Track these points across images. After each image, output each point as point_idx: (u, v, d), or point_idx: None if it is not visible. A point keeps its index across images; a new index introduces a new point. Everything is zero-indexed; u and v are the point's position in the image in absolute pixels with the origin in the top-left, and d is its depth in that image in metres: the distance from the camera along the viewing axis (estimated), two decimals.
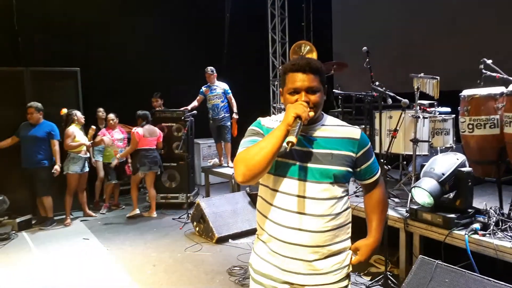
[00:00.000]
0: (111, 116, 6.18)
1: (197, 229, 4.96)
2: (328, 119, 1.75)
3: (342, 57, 7.28)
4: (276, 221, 1.67)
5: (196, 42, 7.98)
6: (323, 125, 1.71)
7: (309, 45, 6.32)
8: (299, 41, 6.45)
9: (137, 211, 5.83)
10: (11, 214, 5.30)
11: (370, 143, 1.75)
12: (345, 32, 8.06)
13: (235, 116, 6.27)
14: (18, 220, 5.27)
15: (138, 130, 5.68)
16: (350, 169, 1.68)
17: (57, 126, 5.48)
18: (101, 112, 6.45)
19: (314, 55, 6.29)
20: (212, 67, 6.29)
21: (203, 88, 6.36)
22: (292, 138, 1.49)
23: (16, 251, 4.58)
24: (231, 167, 6.24)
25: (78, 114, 5.67)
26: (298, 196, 1.63)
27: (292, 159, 1.64)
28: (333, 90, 5.05)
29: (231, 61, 8.23)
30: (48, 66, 6.12)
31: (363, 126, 5.05)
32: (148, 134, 5.77)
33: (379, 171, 1.82)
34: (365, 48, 4.47)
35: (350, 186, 1.82)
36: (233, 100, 6.31)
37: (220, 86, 6.30)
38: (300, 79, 1.63)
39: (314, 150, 1.65)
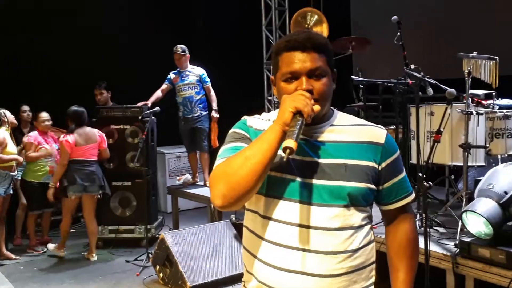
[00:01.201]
0: (44, 116, 6.08)
1: (161, 275, 4.92)
2: (340, 117, 1.74)
3: (364, 30, 7.34)
4: (269, 262, 1.64)
5: (161, 12, 8.00)
6: (332, 125, 1.70)
7: (317, 14, 6.37)
8: (304, 8, 6.49)
9: (63, 252, 5.82)
10: None
11: (399, 151, 1.74)
12: None
13: (214, 114, 6.27)
14: None
15: (67, 138, 5.59)
16: (372, 186, 1.65)
17: None
18: (26, 112, 6.41)
19: (324, 28, 6.34)
20: (183, 46, 6.28)
21: (171, 75, 6.36)
22: (290, 143, 1.45)
23: None
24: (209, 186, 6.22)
25: (8, 114, 5.69)
26: (300, 225, 1.60)
27: (291, 174, 1.62)
28: (352, 77, 5.07)
29: (209, 38, 8.24)
30: None
31: (393, 126, 5.09)
32: (83, 141, 5.67)
33: (412, 194, 1.78)
34: (395, 17, 4.51)
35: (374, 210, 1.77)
36: (212, 92, 6.31)
37: (195, 72, 6.30)
38: (298, 59, 1.60)
39: (320, 160, 1.63)
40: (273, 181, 1.62)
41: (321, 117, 1.66)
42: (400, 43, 4.54)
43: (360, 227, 1.64)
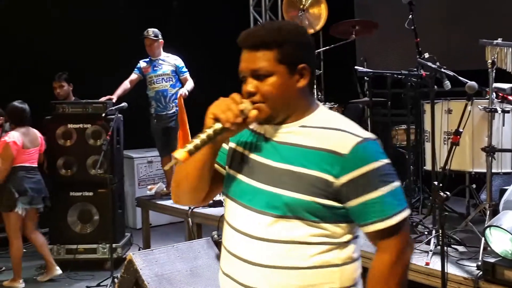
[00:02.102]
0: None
1: None
2: (317, 117, 1.79)
3: (369, 12, 7.36)
4: (221, 266, 1.87)
5: None
6: (303, 125, 1.76)
7: None
8: None
9: (21, 283, 5.75)
10: None
11: (377, 163, 1.69)
12: None
13: (180, 91, 6.15)
14: None
15: (14, 138, 5.59)
16: (325, 202, 1.66)
17: None
18: None
19: (322, 10, 6.37)
20: (155, 30, 6.26)
21: (141, 63, 6.35)
22: (179, 154, 1.60)
23: None
24: None
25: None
26: (240, 232, 1.75)
27: (244, 174, 1.78)
28: (356, 67, 5.08)
29: (187, 21, 8.22)
30: None
31: (404, 126, 5.09)
32: (29, 143, 5.67)
33: (392, 219, 1.68)
34: None
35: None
36: (190, 82, 6.25)
37: (169, 61, 6.28)
38: (243, 59, 1.75)
39: (271, 163, 1.72)
40: (230, 180, 1.81)
41: (289, 117, 1.76)
42: (412, 27, 4.55)
43: (308, 244, 1.67)
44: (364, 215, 1.68)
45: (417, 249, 3.97)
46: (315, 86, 5.68)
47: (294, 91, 1.73)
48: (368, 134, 1.76)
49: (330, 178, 1.65)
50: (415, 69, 4.49)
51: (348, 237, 1.72)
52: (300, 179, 1.65)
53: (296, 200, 1.64)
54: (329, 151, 1.66)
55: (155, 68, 6.28)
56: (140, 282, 4.69)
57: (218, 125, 1.64)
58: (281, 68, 1.70)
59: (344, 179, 1.64)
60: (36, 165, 5.77)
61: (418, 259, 3.78)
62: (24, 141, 5.62)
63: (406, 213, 1.72)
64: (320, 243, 1.68)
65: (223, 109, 1.65)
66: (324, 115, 1.80)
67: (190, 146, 1.61)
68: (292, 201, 1.64)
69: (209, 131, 1.64)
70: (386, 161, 1.73)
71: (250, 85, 1.71)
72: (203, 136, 1.64)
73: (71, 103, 6.44)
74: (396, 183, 1.72)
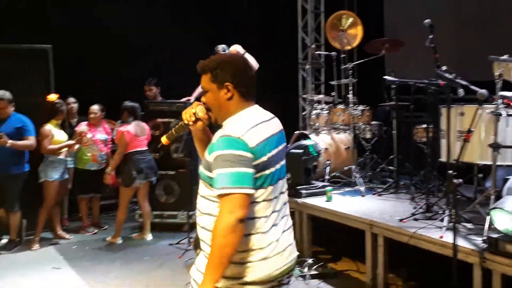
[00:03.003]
0: (95, 108, 6.24)
1: None
2: (232, 118, 2.16)
3: (397, 33, 7.21)
4: None
5: (205, 16, 8.03)
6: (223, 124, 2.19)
7: (352, 16, 6.31)
8: (339, 11, 6.43)
9: (119, 240, 5.91)
10: None
11: (224, 152, 2.02)
12: (400, 1, 7.99)
13: None
14: None
15: (128, 129, 5.75)
16: (207, 173, 2.11)
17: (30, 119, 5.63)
18: (71, 104, 6.53)
19: (358, 31, 6.27)
20: (224, 46, 6.28)
21: None
22: (163, 139, 2.30)
23: None
24: None
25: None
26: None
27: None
28: (384, 77, 5.00)
29: (247, 38, 8.24)
30: (10, 43, 6.26)
31: (424, 125, 5.00)
32: (140, 133, 5.84)
33: (223, 190, 1.99)
34: (428, 20, 4.42)
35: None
36: None
37: None
38: None
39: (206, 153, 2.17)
40: None
41: (223, 118, 2.18)
42: (432, 45, 4.44)
43: (206, 199, 2.15)
44: (213, 183, 2.04)
45: (432, 225, 3.91)
46: (351, 92, 5.71)
47: (223, 100, 2.15)
48: (233, 133, 2.06)
49: (208, 158, 2.08)
50: (434, 79, 4.39)
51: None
52: (205, 161, 2.14)
53: (201, 172, 2.16)
54: (212, 143, 2.12)
55: None
56: None
57: (182, 122, 2.23)
58: (213, 86, 2.15)
59: (210, 158, 2.06)
60: (147, 149, 5.93)
61: (433, 233, 3.73)
62: (136, 131, 5.81)
63: (231, 190, 1.97)
64: (211, 200, 2.10)
65: (186, 112, 2.22)
66: (236, 117, 2.16)
67: (168, 134, 2.27)
68: (201, 173, 2.16)
69: (178, 125, 2.25)
70: (232, 151, 2.02)
71: (203, 97, 2.20)
72: (175, 128, 2.26)
73: (158, 103, 6.58)
74: (232, 169, 1.99)
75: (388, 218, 4.21)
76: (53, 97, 5.90)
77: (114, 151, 6.21)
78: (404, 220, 4.09)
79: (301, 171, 5.16)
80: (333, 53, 6.30)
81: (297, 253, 2.32)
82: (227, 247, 1.96)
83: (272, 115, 2.34)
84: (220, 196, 1.98)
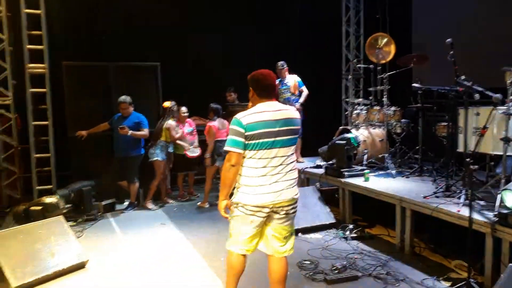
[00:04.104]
0: (183, 109, 6.44)
1: None
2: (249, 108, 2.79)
3: (423, 49, 6.89)
4: None
5: (268, 37, 8.05)
6: None
7: (386, 37, 6.09)
8: (376, 33, 6.23)
9: (207, 205, 6.02)
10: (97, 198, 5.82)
11: (230, 125, 2.69)
12: (425, 23, 7.61)
13: (296, 104, 6.05)
14: (103, 203, 5.75)
15: (214, 124, 5.89)
16: None
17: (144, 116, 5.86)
18: (183, 112, 6.58)
19: (392, 48, 6.06)
20: (282, 62, 6.28)
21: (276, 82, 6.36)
22: None
23: (102, 231, 5.02)
24: (301, 162, 6.22)
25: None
26: None
27: None
28: (412, 85, 4.82)
29: (302, 56, 8.18)
30: (130, 61, 6.57)
31: (445, 123, 4.78)
32: (221, 127, 5.98)
33: (226, 147, 2.68)
34: (449, 40, 4.19)
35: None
36: (305, 92, 6.19)
37: (292, 79, 6.26)
38: None
39: None
40: None
41: None
42: (453, 59, 4.23)
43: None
44: None
45: (451, 202, 3.76)
46: (385, 96, 5.55)
47: (250, 97, 2.78)
48: (237, 115, 2.65)
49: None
50: (454, 86, 4.19)
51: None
52: None
53: None
54: None
55: (283, 85, 6.24)
56: None
57: None
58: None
59: None
60: (225, 139, 5.98)
61: (452, 208, 3.58)
62: (219, 126, 5.92)
63: (228, 149, 2.65)
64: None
65: None
66: (252, 107, 2.70)
67: None
68: None
69: None
70: (232, 126, 2.64)
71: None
72: None
73: (235, 105, 6.65)
74: (230, 137, 2.65)
75: (414, 195, 4.08)
76: (166, 103, 6.10)
77: (201, 140, 6.36)
78: (428, 197, 3.95)
79: (344, 157, 5.08)
80: (371, 65, 6.13)
81: (294, 196, 2.73)
82: (226, 178, 2.69)
83: (282, 108, 2.72)
84: (225, 151, 2.67)
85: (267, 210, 2.65)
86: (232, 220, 2.77)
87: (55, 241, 3.86)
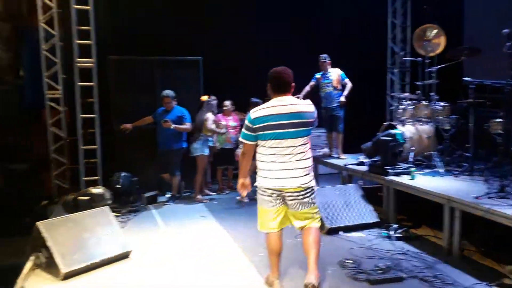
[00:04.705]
0: (227, 103, 6.49)
1: None
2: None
3: (475, 41, 6.54)
4: None
5: (309, 30, 7.93)
6: None
7: (436, 28, 5.81)
8: (425, 24, 5.98)
9: (246, 199, 5.99)
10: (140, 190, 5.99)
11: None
12: (478, 13, 7.23)
13: (340, 98, 5.96)
14: (146, 195, 5.93)
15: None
16: None
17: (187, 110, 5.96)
18: (225, 105, 6.63)
19: (442, 40, 5.79)
20: (325, 55, 6.16)
21: (317, 75, 6.28)
22: None
23: (145, 223, 5.18)
24: (343, 158, 6.11)
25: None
26: None
27: None
28: (464, 78, 4.59)
29: (344, 48, 8.01)
30: (173, 56, 6.69)
31: (500, 119, 4.51)
32: None
33: (239, 139, 3.34)
34: (506, 30, 3.98)
35: None
36: (349, 85, 6.03)
37: (334, 73, 6.14)
38: None
39: None
40: None
41: None
42: (509, 51, 3.99)
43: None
44: None
45: (505, 203, 3.56)
46: (419, 91, 5.34)
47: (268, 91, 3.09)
48: (251, 110, 3.05)
49: None
50: (511, 80, 3.95)
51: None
52: None
53: None
54: None
55: (325, 78, 6.12)
56: None
57: None
58: None
59: None
60: None
61: (507, 209, 3.38)
62: None
63: (240, 139, 3.17)
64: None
65: None
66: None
67: None
68: None
69: None
70: (245, 121, 3.05)
71: None
72: None
73: None
74: (243, 130, 3.09)
75: (464, 195, 3.89)
76: (204, 97, 6.16)
77: None
78: (479, 198, 3.76)
79: (389, 154, 4.93)
80: (419, 59, 5.89)
81: (302, 184, 2.99)
82: (240, 163, 3.19)
83: (291, 103, 3.00)
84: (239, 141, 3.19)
85: (276, 193, 3.03)
86: (257, 203, 3.17)
87: (101, 230, 4.02)
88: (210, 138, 6.14)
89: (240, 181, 3.20)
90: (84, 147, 5.98)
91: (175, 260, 3.98)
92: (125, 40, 6.72)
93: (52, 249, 3.65)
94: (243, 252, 4.13)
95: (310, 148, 3.09)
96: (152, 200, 5.99)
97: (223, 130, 6.27)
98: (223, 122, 6.35)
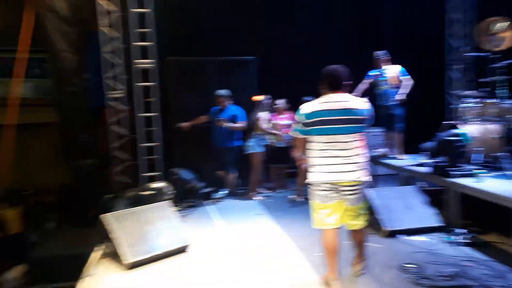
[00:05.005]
0: (278, 102, 6.47)
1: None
2: None
3: None
4: None
5: (364, 28, 7.74)
6: None
7: (504, 21, 5.43)
8: (490, 18, 5.61)
9: (299, 199, 5.98)
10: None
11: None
12: None
13: (396, 96, 5.74)
14: (202, 191, 6.07)
15: None
16: None
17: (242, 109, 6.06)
18: (276, 104, 6.65)
19: (509, 34, 5.41)
20: (380, 51, 5.98)
21: (372, 73, 6.10)
22: None
23: (202, 218, 5.34)
24: (401, 159, 5.91)
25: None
26: None
27: None
28: None
29: (400, 46, 7.73)
30: (228, 56, 6.78)
31: None
32: None
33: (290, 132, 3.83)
34: None
35: None
36: (406, 82, 5.79)
37: (391, 70, 5.92)
38: None
39: None
40: None
41: None
42: None
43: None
44: None
45: None
46: (485, 88, 4.99)
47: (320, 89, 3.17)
48: (301, 106, 3.15)
49: None
50: None
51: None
52: None
53: None
54: None
55: (381, 76, 5.95)
56: (371, 207, 4.59)
57: None
58: None
59: None
60: None
61: None
62: None
63: (291, 133, 3.67)
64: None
65: None
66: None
67: None
68: None
69: None
70: (296, 116, 3.22)
71: None
72: None
73: None
74: (293, 124, 3.38)
75: None
76: (257, 97, 6.18)
77: None
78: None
79: (453, 155, 4.70)
80: (484, 53, 5.56)
81: (355, 178, 3.03)
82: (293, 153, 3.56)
83: (342, 100, 3.05)
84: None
85: (331, 187, 3.05)
86: (311, 199, 3.22)
87: (162, 224, 4.18)
88: (265, 137, 6.17)
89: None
90: (145, 144, 6.22)
91: (230, 257, 4.04)
92: (181, 41, 6.90)
93: (117, 240, 3.84)
94: (300, 250, 4.12)
95: (364, 145, 3.10)
96: (208, 197, 6.13)
97: (275, 130, 6.28)
98: (275, 122, 6.35)
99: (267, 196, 6.34)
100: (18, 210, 6.50)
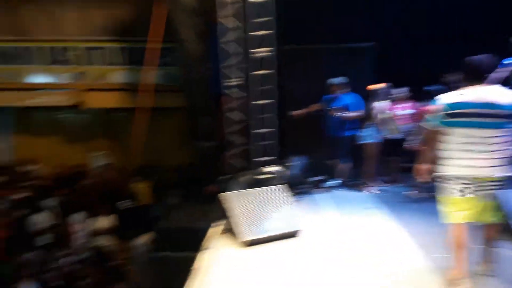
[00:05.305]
0: (400, 90, 6.09)
1: None
2: None
3: None
4: None
5: (490, 13, 6.86)
6: None
7: None
8: None
9: (415, 194, 5.58)
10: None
11: None
12: None
13: None
14: (314, 179, 6.08)
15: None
16: None
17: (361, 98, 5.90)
18: (393, 93, 6.34)
19: None
20: None
21: (508, 61, 5.33)
22: None
23: (312, 206, 5.34)
24: None
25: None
26: None
27: None
28: None
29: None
30: (344, 43, 6.61)
31: None
32: None
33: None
34: None
35: None
36: None
37: None
38: None
39: None
40: None
41: None
42: None
43: None
44: None
45: None
46: None
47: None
48: (438, 96, 3.05)
49: None
50: None
51: None
52: None
53: None
54: None
55: None
56: None
57: None
58: None
59: None
60: None
61: None
62: None
63: (423, 125, 3.57)
64: None
65: None
66: None
67: None
68: None
69: None
70: (433, 107, 3.08)
71: None
72: None
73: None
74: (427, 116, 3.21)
75: None
76: (371, 86, 5.95)
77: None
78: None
79: None
80: None
81: (497, 174, 2.87)
82: (422, 149, 3.28)
83: (487, 92, 2.87)
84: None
85: (468, 182, 2.93)
86: (442, 193, 3.10)
87: (276, 207, 4.29)
88: (380, 128, 5.90)
89: (419, 166, 3.26)
90: (260, 130, 6.38)
91: (339, 248, 3.96)
92: (298, 28, 6.91)
93: (235, 218, 4.06)
94: (420, 248, 3.88)
95: (506, 141, 2.92)
96: (318, 185, 6.11)
97: (391, 121, 5.95)
98: (394, 112, 6.00)
99: (381, 189, 6.06)
100: (148, 184, 7.31)
